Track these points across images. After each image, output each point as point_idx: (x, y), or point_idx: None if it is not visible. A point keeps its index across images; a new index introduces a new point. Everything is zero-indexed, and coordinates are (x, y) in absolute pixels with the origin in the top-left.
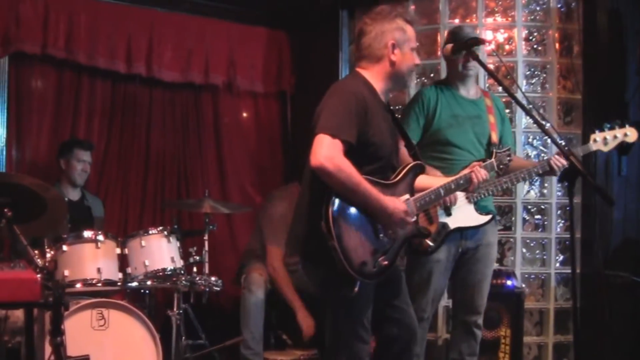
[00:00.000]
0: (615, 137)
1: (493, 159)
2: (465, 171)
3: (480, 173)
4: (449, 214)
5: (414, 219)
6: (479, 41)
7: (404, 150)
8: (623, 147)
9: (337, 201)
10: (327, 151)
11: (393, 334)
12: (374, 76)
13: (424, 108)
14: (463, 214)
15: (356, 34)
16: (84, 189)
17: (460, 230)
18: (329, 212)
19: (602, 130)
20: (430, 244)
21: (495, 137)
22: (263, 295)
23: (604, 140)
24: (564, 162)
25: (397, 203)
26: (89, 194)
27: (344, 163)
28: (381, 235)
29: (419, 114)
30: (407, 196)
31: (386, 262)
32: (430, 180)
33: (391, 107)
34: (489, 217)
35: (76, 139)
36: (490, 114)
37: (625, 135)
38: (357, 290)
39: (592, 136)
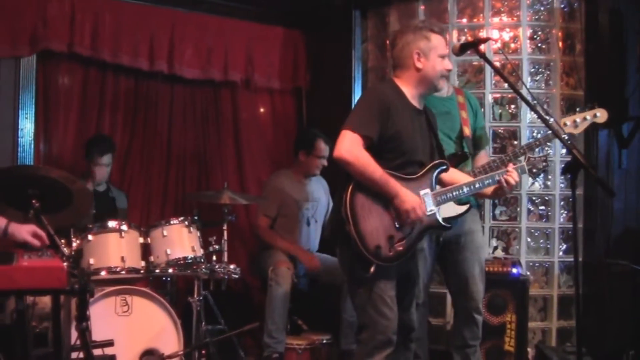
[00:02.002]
0: (585, 118)
1: (524, 162)
2: (497, 172)
3: (513, 175)
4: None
5: (432, 212)
6: (483, 40)
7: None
8: (623, 140)
9: (355, 189)
10: (346, 144)
11: None
12: (404, 82)
13: None
14: (443, 207)
15: (389, 48)
16: (108, 182)
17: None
18: (347, 199)
19: (573, 113)
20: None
21: (467, 131)
22: (289, 288)
23: (573, 123)
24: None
25: (412, 196)
26: (113, 187)
27: (361, 154)
28: (399, 222)
29: None
30: (427, 190)
31: (401, 248)
32: (460, 176)
33: (426, 112)
34: (466, 206)
35: (97, 141)
36: (462, 109)
37: (595, 116)
38: (373, 272)
39: (562, 120)
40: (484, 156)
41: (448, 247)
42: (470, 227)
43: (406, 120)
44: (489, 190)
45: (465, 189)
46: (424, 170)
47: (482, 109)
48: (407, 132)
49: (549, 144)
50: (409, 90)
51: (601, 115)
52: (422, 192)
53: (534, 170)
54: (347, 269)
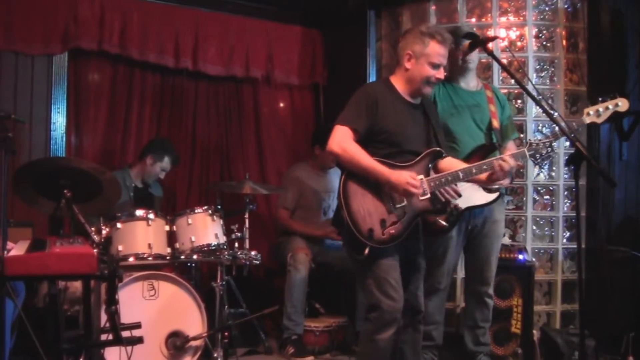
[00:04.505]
0: (607, 108)
1: (525, 148)
2: (493, 158)
3: (506, 161)
4: (459, 195)
5: (427, 196)
6: (490, 38)
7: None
8: (624, 133)
9: (348, 177)
10: (336, 137)
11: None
12: (397, 79)
13: None
14: (472, 194)
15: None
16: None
17: (470, 208)
18: (341, 186)
19: (595, 103)
20: (444, 224)
21: (496, 124)
22: (307, 273)
23: (596, 112)
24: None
25: (400, 174)
26: (154, 182)
27: (349, 145)
28: (391, 206)
29: None
30: (421, 177)
31: (393, 231)
32: (457, 164)
33: (424, 106)
34: (496, 194)
35: (172, 149)
36: (491, 103)
37: (617, 105)
38: (367, 254)
39: (586, 110)
40: (513, 146)
41: (472, 232)
42: (496, 217)
43: (397, 113)
44: (485, 175)
45: (460, 175)
46: (418, 158)
47: None
48: (398, 124)
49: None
50: (401, 87)
51: (623, 104)
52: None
53: (537, 156)
54: (348, 253)
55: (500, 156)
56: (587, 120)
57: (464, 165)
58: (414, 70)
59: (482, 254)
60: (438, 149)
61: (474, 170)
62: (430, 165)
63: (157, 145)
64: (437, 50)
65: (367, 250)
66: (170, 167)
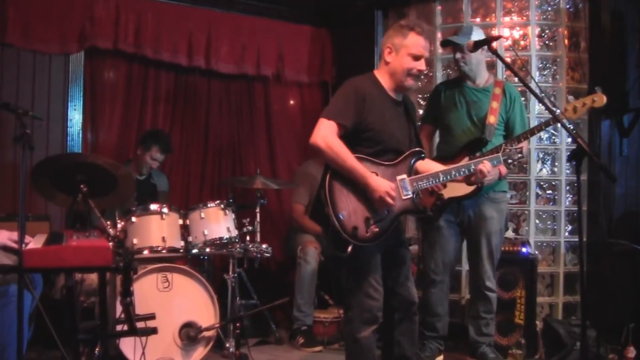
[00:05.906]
0: (584, 104)
1: (500, 154)
2: (473, 161)
3: (486, 165)
4: (444, 186)
5: (408, 196)
6: (494, 37)
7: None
8: (624, 130)
9: (334, 173)
10: (322, 131)
11: (393, 304)
12: (381, 74)
13: (433, 97)
14: (455, 187)
15: None
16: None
17: (457, 201)
18: (327, 182)
19: (575, 100)
20: (429, 213)
21: (492, 120)
22: (316, 265)
23: (573, 108)
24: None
25: (382, 183)
26: (155, 172)
27: (334, 142)
28: (375, 205)
29: (430, 102)
30: (404, 176)
31: (377, 229)
32: (434, 165)
33: (405, 102)
34: (472, 187)
35: (161, 138)
36: (494, 100)
37: (593, 101)
38: (350, 252)
39: (564, 106)
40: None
41: (463, 226)
42: (485, 214)
43: (382, 110)
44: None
45: (441, 176)
46: (402, 157)
47: None
48: (383, 122)
49: (549, 128)
50: (385, 82)
51: (598, 99)
52: (399, 178)
53: (509, 161)
54: (332, 251)
55: (480, 159)
56: (561, 116)
57: (439, 166)
58: (395, 63)
59: (473, 249)
60: (419, 149)
61: (453, 172)
62: (412, 165)
63: (146, 136)
64: (416, 41)
65: (350, 248)
66: (162, 156)
